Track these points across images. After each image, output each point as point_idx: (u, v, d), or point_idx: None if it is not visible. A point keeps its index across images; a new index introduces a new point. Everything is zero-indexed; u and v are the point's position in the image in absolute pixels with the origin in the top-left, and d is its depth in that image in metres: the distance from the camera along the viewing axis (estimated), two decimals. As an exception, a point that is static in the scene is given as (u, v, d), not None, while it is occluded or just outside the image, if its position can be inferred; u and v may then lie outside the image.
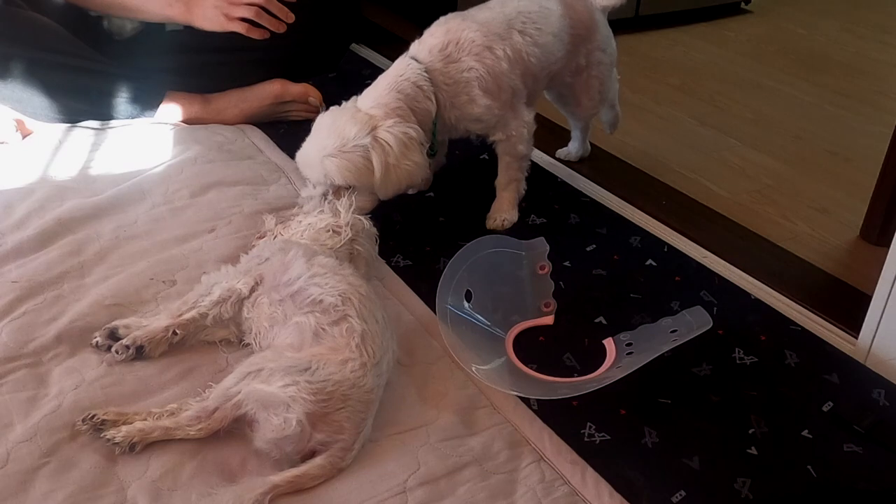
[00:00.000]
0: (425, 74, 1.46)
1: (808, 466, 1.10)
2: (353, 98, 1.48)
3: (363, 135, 1.40)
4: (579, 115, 1.80)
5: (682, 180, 1.92)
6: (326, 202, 1.39)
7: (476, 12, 1.55)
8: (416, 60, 1.47)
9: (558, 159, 1.90)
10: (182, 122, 1.86)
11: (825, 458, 1.12)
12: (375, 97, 1.45)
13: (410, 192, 1.69)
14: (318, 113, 1.92)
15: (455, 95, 1.49)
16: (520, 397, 1.18)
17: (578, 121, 1.84)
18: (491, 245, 1.33)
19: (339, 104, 1.47)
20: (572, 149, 1.90)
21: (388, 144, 1.40)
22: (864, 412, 1.18)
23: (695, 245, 1.60)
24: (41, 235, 1.42)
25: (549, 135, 1.93)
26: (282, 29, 1.86)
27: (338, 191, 1.42)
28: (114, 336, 1.19)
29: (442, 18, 1.54)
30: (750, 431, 1.15)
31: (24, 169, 1.64)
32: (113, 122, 1.82)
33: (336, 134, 1.41)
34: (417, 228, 1.59)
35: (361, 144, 1.40)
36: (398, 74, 1.46)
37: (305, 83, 1.94)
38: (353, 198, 1.39)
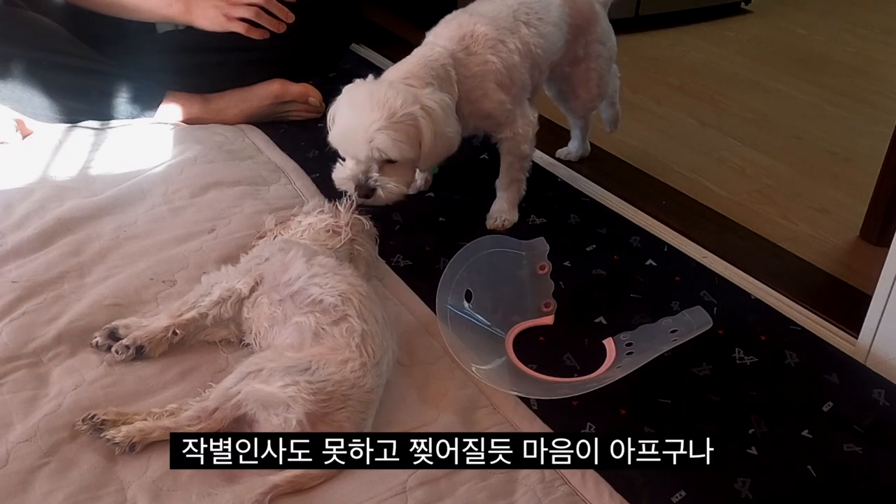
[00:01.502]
0: (451, 60, 1.44)
1: (808, 466, 1.10)
2: (373, 76, 1.43)
3: (410, 103, 1.34)
4: (577, 110, 1.79)
5: (682, 180, 1.92)
6: (326, 202, 1.39)
7: (478, 6, 1.54)
8: (441, 46, 1.44)
9: (558, 159, 1.90)
10: (182, 122, 1.86)
11: (825, 458, 1.12)
12: (407, 70, 1.41)
13: (410, 191, 1.69)
14: (318, 113, 1.95)
15: (471, 90, 1.47)
16: (520, 397, 1.17)
17: (577, 117, 1.83)
18: (491, 245, 1.33)
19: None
20: (572, 148, 1.90)
21: (435, 111, 1.36)
22: (864, 412, 1.18)
23: (695, 245, 1.60)
24: (41, 235, 1.42)
25: (550, 135, 1.93)
26: (282, 29, 1.86)
27: (382, 165, 1.37)
28: (114, 336, 1.19)
29: (448, 16, 1.52)
30: (750, 431, 1.15)
31: (24, 169, 1.64)
32: (113, 122, 1.82)
33: (381, 105, 1.33)
34: (417, 228, 1.59)
35: (410, 113, 1.34)
36: (427, 55, 1.43)
37: (305, 83, 1.94)
38: (392, 183, 1.37)
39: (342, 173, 1.39)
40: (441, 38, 1.47)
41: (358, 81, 1.41)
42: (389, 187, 1.38)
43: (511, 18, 1.50)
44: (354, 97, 1.38)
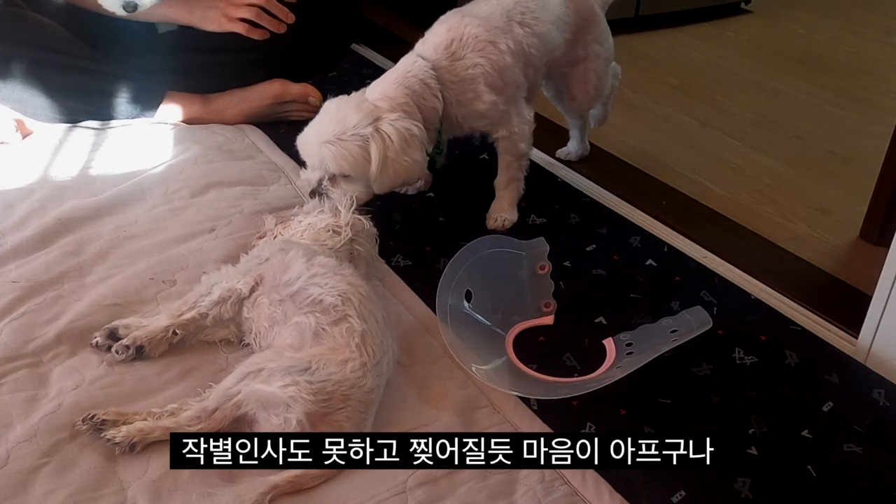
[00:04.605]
0: (432, 72, 1.46)
1: (808, 466, 1.10)
2: (362, 90, 1.47)
3: (365, 124, 1.39)
4: (574, 110, 1.79)
5: (682, 180, 1.92)
6: (326, 202, 1.39)
7: (474, 7, 1.55)
8: (423, 58, 1.47)
9: (558, 159, 1.90)
10: (182, 122, 1.86)
11: (825, 458, 1.12)
12: (383, 90, 1.45)
13: (410, 192, 1.69)
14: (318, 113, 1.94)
15: (461, 93, 1.48)
16: (520, 397, 1.17)
17: (573, 117, 1.84)
18: (491, 245, 1.33)
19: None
20: (572, 148, 1.90)
21: (389, 137, 1.40)
22: (864, 412, 1.18)
23: (695, 245, 1.60)
24: (41, 235, 1.42)
25: (550, 135, 1.93)
26: (282, 29, 1.86)
27: (334, 177, 1.42)
28: (114, 336, 1.19)
29: (442, 17, 1.54)
30: (750, 431, 1.15)
31: (24, 169, 1.64)
32: (113, 122, 1.82)
33: (338, 121, 1.40)
34: (417, 228, 1.59)
35: (361, 134, 1.39)
36: (406, 70, 1.46)
37: (305, 83, 1.94)
38: (353, 196, 1.39)
39: (303, 175, 1.48)
40: (428, 45, 1.49)
41: (342, 96, 1.46)
42: (334, 198, 1.42)
43: (504, 18, 1.51)
44: (327, 108, 1.45)
